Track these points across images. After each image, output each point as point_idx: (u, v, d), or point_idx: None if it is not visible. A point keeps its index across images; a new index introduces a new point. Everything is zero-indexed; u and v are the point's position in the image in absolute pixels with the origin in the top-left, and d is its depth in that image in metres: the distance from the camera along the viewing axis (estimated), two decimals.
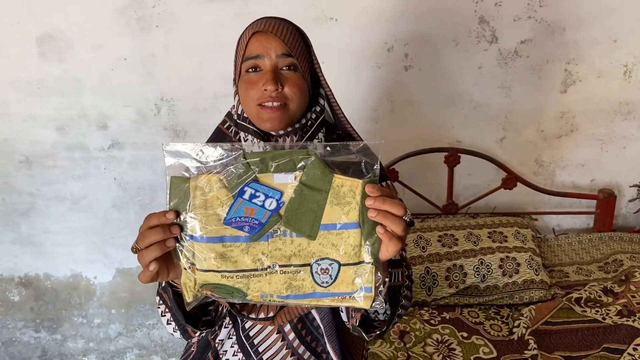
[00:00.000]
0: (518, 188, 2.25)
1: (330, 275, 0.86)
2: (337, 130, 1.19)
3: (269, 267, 0.86)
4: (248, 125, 1.09)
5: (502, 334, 1.77)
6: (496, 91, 2.19)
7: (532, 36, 2.11)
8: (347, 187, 0.84)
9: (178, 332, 1.07)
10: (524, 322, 1.76)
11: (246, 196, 0.84)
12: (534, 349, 1.65)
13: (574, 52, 2.14)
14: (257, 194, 0.85)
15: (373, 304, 0.86)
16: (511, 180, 2.21)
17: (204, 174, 0.85)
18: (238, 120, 1.12)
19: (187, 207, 0.84)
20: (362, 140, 1.20)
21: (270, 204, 0.85)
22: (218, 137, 1.18)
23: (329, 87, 1.15)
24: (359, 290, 0.86)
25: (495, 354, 1.66)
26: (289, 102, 1.05)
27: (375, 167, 0.85)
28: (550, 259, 2.17)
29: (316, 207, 0.85)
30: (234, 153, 0.84)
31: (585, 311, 1.83)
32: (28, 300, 2.44)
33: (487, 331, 1.78)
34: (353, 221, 0.84)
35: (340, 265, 0.85)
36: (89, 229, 2.34)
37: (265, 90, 1.03)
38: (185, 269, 0.87)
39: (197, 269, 0.86)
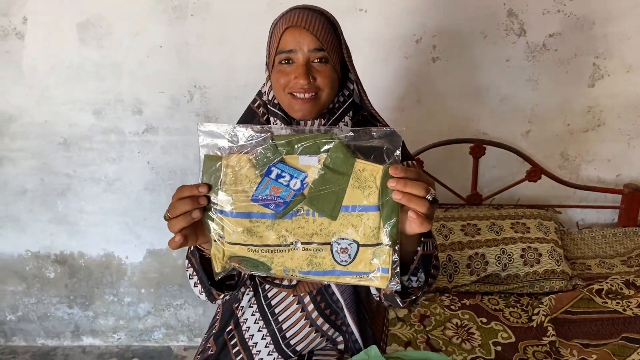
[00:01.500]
0: (542, 181, 2.26)
1: (349, 255, 0.91)
2: (363, 112, 1.24)
3: (292, 243, 0.91)
4: (277, 111, 1.15)
5: (521, 321, 1.79)
6: (523, 84, 2.20)
7: (561, 30, 2.12)
8: (368, 171, 0.88)
9: (204, 294, 1.13)
10: (543, 310, 1.79)
11: (273, 176, 0.90)
12: (553, 335, 1.68)
13: (603, 47, 2.14)
14: (283, 174, 0.90)
15: (389, 284, 0.91)
16: (536, 172, 2.23)
17: (234, 154, 0.91)
18: (268, 106, 1.18)
19: (219, 183, 0.90)
20: (384, 121, 1.25)
21: (295, 184, 0.90)
22: (249, 115, 1.24)
23: (355, 72, 1.20)
24: (376, 270, 0.90)
25: (513, 339, 1.70)
26: (321, 92, 1.11)
27: (396, 153, 0.89)
28: (573, 252, 2.18)
29: (338, 189, 0.89)
30: (263, 135, 0.90)
31: (606, 302, 1.84)
32: (63, 277, 2.54)
33: (507, 318, 1.81)
34: (373, 204, 0.88)
35: (359, 245, 0.90)
36: (122, 210, 2.43)
37: (297, 83, 1.08)
38: (215, 240, 0.93)
39: (225, 241, 0.92)
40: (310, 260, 0.92)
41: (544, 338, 1.68)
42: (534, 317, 1.79)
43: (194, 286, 1.16)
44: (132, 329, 2.61)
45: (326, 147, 0.89)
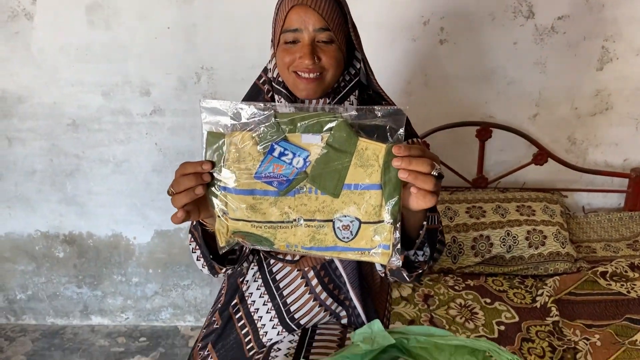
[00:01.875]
0: (549, 165, 2.26)
1: (351, 232, 0.92)
2: (368, 90, 1.24)
3: (295, 220, 0.92)
4: (282, 89, 1.15)
5: (525, 302, 1.81)
6: (531, 67, 2.19)
7: (570, 12, 2.10)
8: (371, 150, 0.89)
9: (206, 267, 1.15)
10: (547, 291, 1.80)
11: (275, 154, 0.90)
12: (556, 315, 1.69)
13: (612, 29, 2.12)
14: (286, 152, 0.90)
15: (390, 261, 0.92)
16: (542, 155, 2.22)
17: (238, 131, 0.91)
18: (273, 83, 1.18)
19: (222, 160, 0.91)
20: (390, 100, 1.25)
21: (298, 162, 0.90)
22: (254, 91, 1.25)
23: (362, 50, 1.20)
24: (378, 247, 0.91)
25: (517, 319, 1.71)
26: (325, 72, 1.10)
27: (399, 132, 0.89)
28: (578, 235, 2.18)
29: (340, 168, 0.90)
30: (266, 112, 0.90)
31: (610, 284, 1.85)
32: (72, 257, 2.57)
33: (511, 299, 1.82)
34: (375, 183, 0.89)
35: (360, 222, 0.91)
36: (130, 191, 2.45)
37: (302, 62, 1.08)
38: (219, 216, 0.94)
39: (229, 217, 0.93)
40: (312, 237, 0.93)
41: (547, 318, 1.70)
42: (537, 298, 1.80)
43: (197, 260, 1.17)
44: (139, 309, 2.64)
45: (329, 125, 0.89)
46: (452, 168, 2.28)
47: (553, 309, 1.72)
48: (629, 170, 2.27)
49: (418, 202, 0.89)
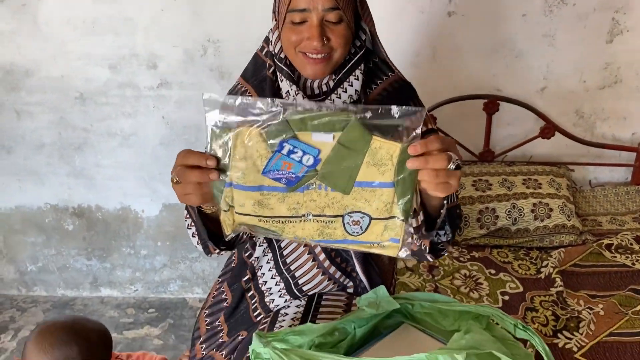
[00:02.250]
0: (556, 139, 2.25)
1: (361, 227, 0.91)
2: (374, 57, 1.23)
3: (304, 215, 0.91)
4: (283, 67, 1.13)
5: (529, 273, 1.82)
6: (540, 40, 2.17)
7: None
8: (384, 149, 0.86)
9: (200, 245, 1.14)
10: (552, 263, 1.81)
11: (284, 151, 0.87)
12: (560, 286, 1.70)
13: (623, 1, 2.10)
14: (295, 150, 0.87)
15: (399, 253, 0.92)
16: (549, 129, 2.22)
17: (244, 127, 0.87)
18: (275, 59, 1.15)
19: (228, 157, 0.88)
20: (395, 67, 1.24)
21: (308, 160, 0.88)
22: (257, 63, 1.23)
23: (371, 17, 1.19)
24: (387, 240, 0.92)
25: (521, 289, 1.72)
26: (334, 52, 1.08)
27: (416, 131, 0.86)
28: (584, 209, 2.18)
29: (352, 166, 0.88)
30: (274, 109, 0.86)
31: (615, 257, 1.85)
32: (81, 230, 2.60)
33: (515, 270, 1.84)
34: (388, 181, 0.87)
35: (371, 218, 0.90)
36: (138, 164, 2.46)
37: (310, 44, 1.05)
38: (224, 211, 0.92)
39: (235, 212, 0.92)
40: (321, 231, 0.92)
41: (551, 289, 1.71)
42: (542, 269, 1.81)
43: (192, 236, 1.16)
44: (148, 281, 2.68)
45: (342, 125, 0.86)
46: (458, 141, 2.27)
47: (557, 279, 1.73)
48: (636, 144, 2.26)
49: (435, 192, 0.89)
